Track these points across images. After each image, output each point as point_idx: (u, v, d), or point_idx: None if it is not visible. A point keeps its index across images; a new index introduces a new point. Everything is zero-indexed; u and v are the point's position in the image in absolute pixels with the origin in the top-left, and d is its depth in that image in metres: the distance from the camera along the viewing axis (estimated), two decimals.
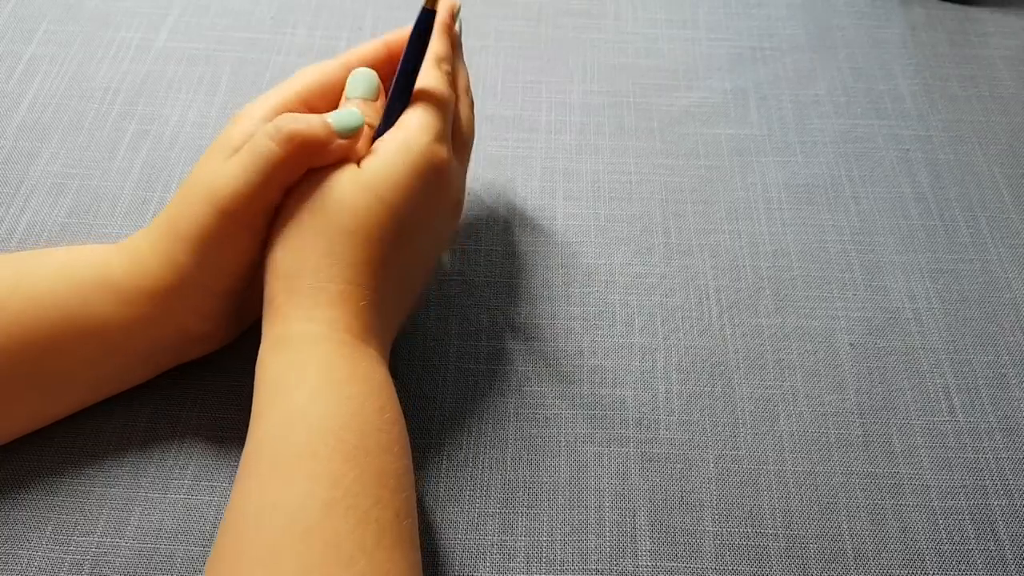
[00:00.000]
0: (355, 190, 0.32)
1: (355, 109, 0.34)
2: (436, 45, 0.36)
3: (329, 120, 0.32)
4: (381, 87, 0.36)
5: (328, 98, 0.36)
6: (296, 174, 0.32)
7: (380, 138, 0.34)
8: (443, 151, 0.34)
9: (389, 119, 0.35)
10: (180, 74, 0.51)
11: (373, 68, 0.36)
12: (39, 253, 0.34)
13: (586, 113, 0.50)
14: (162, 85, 0.50)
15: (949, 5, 0.58)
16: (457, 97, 0.37)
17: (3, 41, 0.52)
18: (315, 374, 0.30)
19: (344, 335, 0.31)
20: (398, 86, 0.35)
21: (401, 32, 0.37)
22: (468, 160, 0.38)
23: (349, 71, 0.36)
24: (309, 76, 0.36)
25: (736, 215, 0.45)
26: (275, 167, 0.31)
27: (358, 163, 0.33)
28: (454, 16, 0.38)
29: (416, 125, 0.34)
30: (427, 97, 0.35)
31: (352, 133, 0.33)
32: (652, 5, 0.57)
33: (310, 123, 0.32)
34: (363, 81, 0.35)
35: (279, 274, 0.32)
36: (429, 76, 0.35)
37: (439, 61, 0.36)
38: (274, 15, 0.55)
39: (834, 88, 0.52)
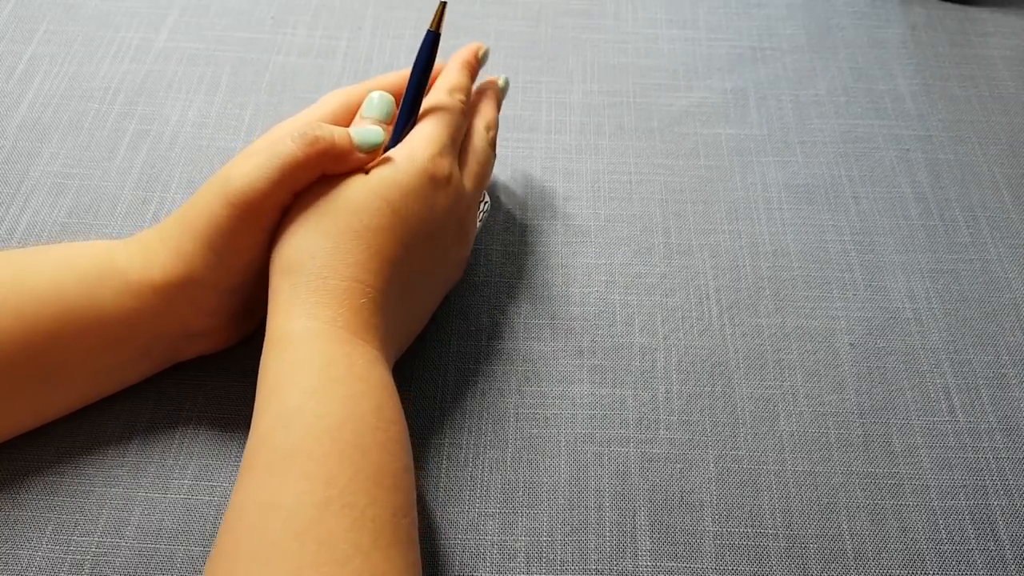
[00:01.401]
0: (362, 193, 0.33)
1: (378, 127, 0.35)
2: (453, 76, 0.39)
3: (352, 134, 0.34)
4: (395, 110, 0.38)
5: (352, 119, 0.38)
6: (310, 178, 0.33)
7: (388, 151, 0.36)
8: (446, 164, 0.36)
9: (397, 136, 0.37)
10: (180, 74, 0.51)
11: (394, 95, 0.38)
12: (41, 248, 0.35)
13: (586, 113, 0.50)
14: (162, 85, 0.50)
15: (949, 5, 0.58)
16: (471, 127, 0.39)
17: (3, 41, 0.52)
18: (312, 372, 0.30)
19: (342, 332, 0.31)
20: (405, 105, 0.37)
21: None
22: (480, 190, 0.39)
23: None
24: (334, 100, 0.38)
25: (736, 215, 0.45)
26: (291, 166, 0.32)
27: (366, 171, 0.35)
28: (478, 57, 0.41)
29: (421, 138, 0.36)
30: (433, 114, 0.37)
31: (372, 149, 0.34)
32: (652, 5, 0.57)
33: (333, 133, 0.33)
34: (379, 103, 0.37)
35: (283, 270, 0.32)
36: (439, 97, 0.38)
37: (452, 91, 0.38)
38: (274, 15, 0.55)
39: (834, 88, 0.52)
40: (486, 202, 0.42)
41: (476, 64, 0.41)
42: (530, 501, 0.35)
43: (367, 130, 0.34)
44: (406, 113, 0.37)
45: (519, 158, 0.48)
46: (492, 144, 0.40)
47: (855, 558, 0.34)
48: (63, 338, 0.32)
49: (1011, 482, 0.36)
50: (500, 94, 0.43)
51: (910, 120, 0.51)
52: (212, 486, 0.35)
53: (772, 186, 0.47)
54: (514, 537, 0.34)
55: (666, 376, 0.39)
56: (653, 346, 0.40)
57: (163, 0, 0.55)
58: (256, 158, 0.33)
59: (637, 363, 0.39)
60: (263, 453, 0.28)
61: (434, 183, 0.35)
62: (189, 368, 0.38)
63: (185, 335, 0.36)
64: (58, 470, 0.35)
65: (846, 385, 0.39)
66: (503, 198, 0.46)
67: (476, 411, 0.38)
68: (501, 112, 0.49)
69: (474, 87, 0.42)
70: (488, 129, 0.40)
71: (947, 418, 0.38)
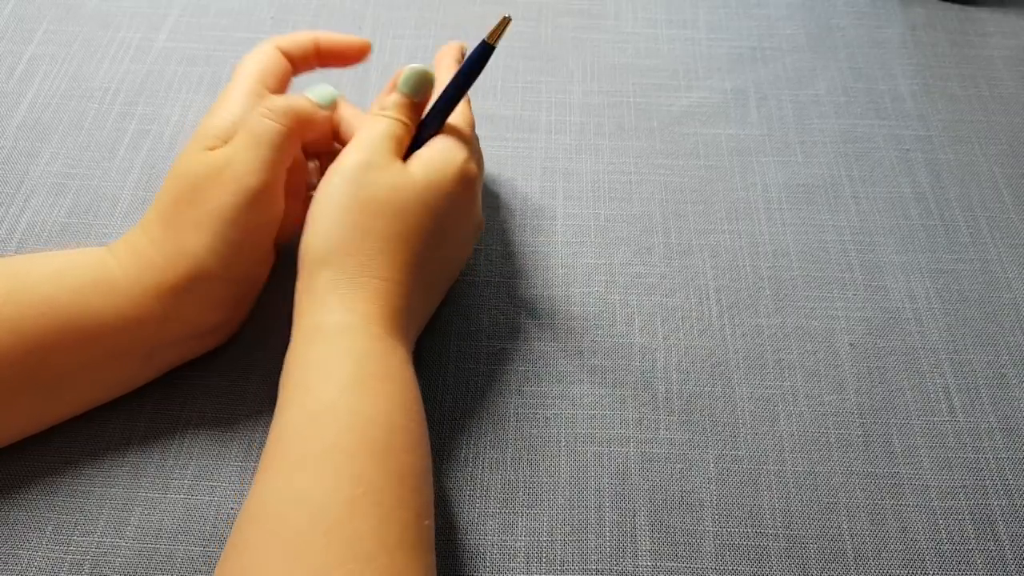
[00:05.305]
0: (409, 198, 0.34)
1: (326, 85, 0.37)
2: (463, 110, 0.39)
3: (311, 96, 0.36)
4: (414, 93, 0.37)
5: (280, 80, 0.38)
6: (295, 149, 0.35)
7: (420, 151, 0.36)
8: (474, 168, 0.37)
9: (421, 137, 0.37)
10: (180, 74, 0.51)
11: (298, 58, 0.39)
12: (34, 257, 0.34)
13: (586, 113, 0.50)
14: (162, 85, 0.50)
15: (949, 5, 0.58)
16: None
17: (3, 41, 0.52)
18: (347, 368, 0.30)
19: (376, 328, 0.31)
20: (437, 108, 0.37)
21: (334, 38, 0.40)
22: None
23: (281, 54, 0.38)
24: (254, 65, 0.37)
25: (736, 215, 0.45)
26: (283, 141, 0.34)
27: (405, 160, 0.35)
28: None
29: (457, 143, 0.36)
30: (462, 125, 0.38)
31: (330, 104, 0.36)
32: (652, 5, 0.57)
33: (296, 100, 0.35)
34: (416, 81, 0.37)
35: (321, 262, 0.32)
36: (461, 116, 0.39)
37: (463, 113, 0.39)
38: (274, 15, 0.55)
39: (834, 88, 0.52)
40: None
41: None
42: (530, 501, 0.35)
43: (320, 88, 0.36)
44: (436, 116, 0.37)
45: (519, 158, 0.48)
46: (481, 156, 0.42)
47: (855, 558, 0.34)
48: (61, 350, 0.32)
49: (1011, 482, 0.36)
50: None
51: (910, 120, 0.51)
52: (212, 486, 0.35)
53: (772, 186, 0.47)
54: (514, 537, 0.34)
55: (666, 376, 0.39)
56: (653, 346, 0.40)
57: (163, 0, 0.55)
58: (249, 146, 0.33)
59: (637, 363, 0.39)
60: (292, 447, 0.28)
61: (466, 186, 0.36)
62: (189, 368, 0.38)
63: (191, 335, 0.35)
64: (58, 470, 0.35)
65: (846, 385, 0.39)
66: (503, 198, 0.46)
67: (476, 411, 0.38)
68: (500, 113, 0.50)
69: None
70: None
71: (947, 418, 0.38)
